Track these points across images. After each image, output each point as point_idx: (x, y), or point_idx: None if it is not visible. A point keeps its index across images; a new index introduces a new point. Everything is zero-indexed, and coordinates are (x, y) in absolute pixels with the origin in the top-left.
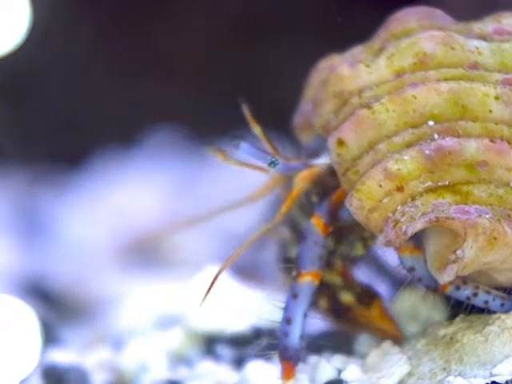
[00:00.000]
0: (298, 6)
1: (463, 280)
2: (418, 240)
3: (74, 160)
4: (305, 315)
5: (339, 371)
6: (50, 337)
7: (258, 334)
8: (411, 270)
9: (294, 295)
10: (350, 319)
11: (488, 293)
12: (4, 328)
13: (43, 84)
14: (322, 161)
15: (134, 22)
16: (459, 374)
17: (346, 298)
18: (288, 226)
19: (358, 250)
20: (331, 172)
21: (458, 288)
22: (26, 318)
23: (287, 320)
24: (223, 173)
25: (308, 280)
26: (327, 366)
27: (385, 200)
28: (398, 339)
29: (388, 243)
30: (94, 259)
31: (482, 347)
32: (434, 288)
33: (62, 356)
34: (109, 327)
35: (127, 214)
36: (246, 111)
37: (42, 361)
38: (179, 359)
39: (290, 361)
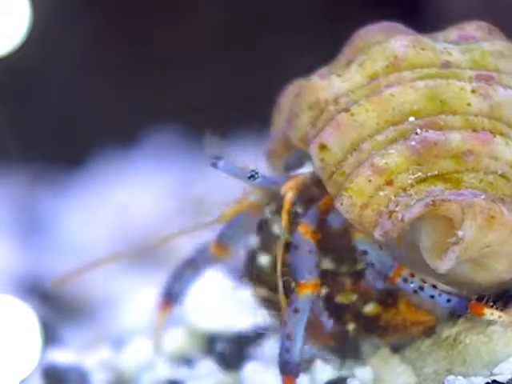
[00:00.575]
0: (299, 4)
1: (411, 273)
2: None
3: (73, 160)
4: (304, 328)
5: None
6: (50, 337)
7: (258, 333)
8: (364, 253)
9: (294, 310)
10: (382, 327)
11: (434, 287)
12: (4, 328)
13: (43, 84)
14: (305, 170)
15: (133, 23)
16: (463, 376)
17: (370, 308)
18: (258, 234)
19: (362, 263)
20: (315, 181)
21: (405, 280)
22: (25, 318)
23: (288, 335)
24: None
25: (308, 293)
26: (327, 366)
27: (376, 195)
28: (433, 325)
29: (386, 234)
30: (94, 259)
31: (484, 348)
32: (385, 276)
33: (62, 356)
34: (109, 327)
35: (127, 213)
36: (214, 137)
37: (42, 361)
38: (180, 359)
39: (290, 375)
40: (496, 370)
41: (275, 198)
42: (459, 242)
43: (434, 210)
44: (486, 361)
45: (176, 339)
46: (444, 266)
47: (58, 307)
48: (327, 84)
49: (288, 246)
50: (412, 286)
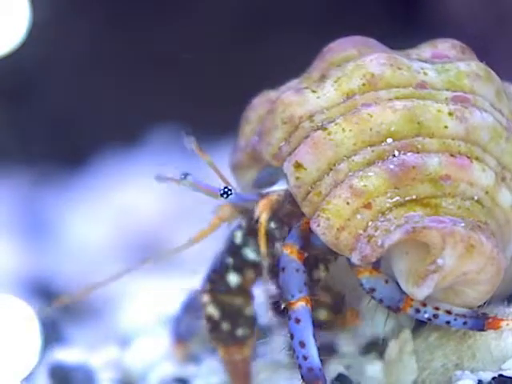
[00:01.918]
0: (300, 3)
1: (422, 302)
2: (376, 262)
3: (76, 160)
4: (314, 336)
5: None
6: (56, 336)
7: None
8: (372, 291)
9: (295, 320)
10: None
11: (449, 313)
12: (4, 328)
13: (44, 84)
14: (277, 188)
15: (134, 21)
16: (471, 371)
17: (322, 315)
18: (230, 256)
19: (321, 272)
20: (289, 198)
21: (417, 311)
22: (26, 317)
23: (300, 343)
24: (225, 171)
25: (302, 304)
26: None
27: (353, 218)
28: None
29: (364, 259)
30: (98, 258)
31: (494, 344)
32: (395, 308)
33: (68, 355)
34: (114, 326)
35: (130, 212)
36: (193, 144)
37: (48, 360)
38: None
39: (318, 381)
40: (505, 366)
41: (247, 215)
42: (439, 270)
43: (414, 236)
44: (496, 357)
45: None
46: (421, 293)
47: (63, 307)
48: (301, 100)
49: (257, 270)
50: (426, 315)
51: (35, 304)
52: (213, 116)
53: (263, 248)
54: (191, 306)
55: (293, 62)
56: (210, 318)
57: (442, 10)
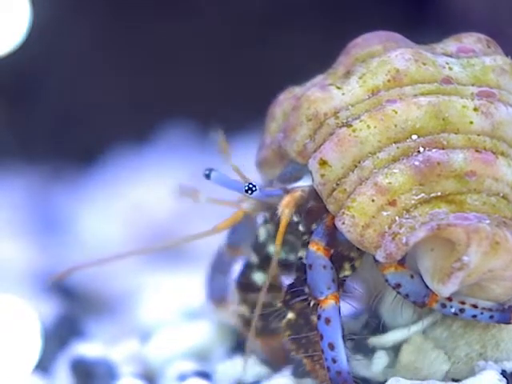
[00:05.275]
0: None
1: (448, 297)
2: (401, 258)
3: (87, 158)
4: (343, 337)
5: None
6: (77, 331)
7: None
8: (397, 286)
9: (325, 321)
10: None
11: (475, 307)
12: (5, 327)
13: (46, 83)
14: (301, 184)
15: (137, 20)
16: (495, 361)
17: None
18: (254, 250)
19: (345, 271)
20: (313, 195)
21: (443, 306)
22: (27, 317)
23: (329, 346)
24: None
25: (332, 303)
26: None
27: (378, 215)
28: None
29: (389, 256)
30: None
31: None
32: (421, 303)
33: (89, 349)
34: (134, 320)
35: (142, 209)
36: (221, 138)
37: (69, 355)
38: (206, 351)
39: None
40: None
41: (271, 210)
42: (464, 267)
43: (439, 234)
44: None
45: (202, 331)
46: (446, 290)
47: (80, 302)
48: (326, 96)
49: (282, 266)
50: (452, 310)
51: (48, 300)
52: (223, 114)
53: (278, 243)
54: (219, 262)
55: (305, 61)
56: (242, 317)
57: (456, 7)
